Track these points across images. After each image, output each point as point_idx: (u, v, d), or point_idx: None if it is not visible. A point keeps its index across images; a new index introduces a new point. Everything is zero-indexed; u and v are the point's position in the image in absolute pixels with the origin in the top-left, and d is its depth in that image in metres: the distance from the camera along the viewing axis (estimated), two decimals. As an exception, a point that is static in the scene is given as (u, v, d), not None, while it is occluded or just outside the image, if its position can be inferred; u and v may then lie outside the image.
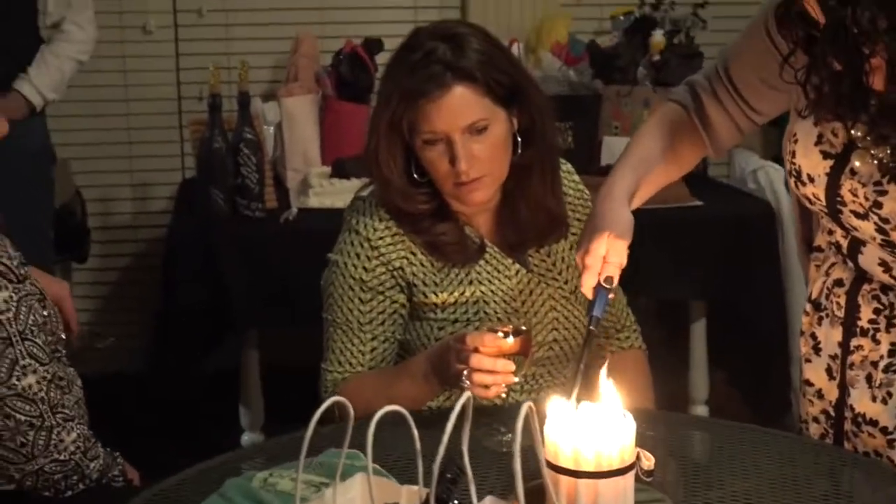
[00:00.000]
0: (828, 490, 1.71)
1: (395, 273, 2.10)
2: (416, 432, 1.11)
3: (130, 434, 3.59)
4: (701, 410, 3.57)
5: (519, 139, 2.08)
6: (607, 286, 1.80)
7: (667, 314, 3.89)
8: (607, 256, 1.79)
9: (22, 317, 1.89)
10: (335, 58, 3.94)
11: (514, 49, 3.86)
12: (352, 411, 1.14)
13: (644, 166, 1.91)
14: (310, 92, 3.84)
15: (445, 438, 1.02)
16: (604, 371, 1.62)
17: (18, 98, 3.33)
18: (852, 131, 1.67)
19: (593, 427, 1.56)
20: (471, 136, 2.01)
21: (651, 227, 3.00)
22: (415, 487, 1.15)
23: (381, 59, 3.90)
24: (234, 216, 3.28)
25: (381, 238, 2.10)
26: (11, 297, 1.88)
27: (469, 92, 2.00)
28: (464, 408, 1.05)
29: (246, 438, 3.52)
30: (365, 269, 2.10)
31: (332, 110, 3.84)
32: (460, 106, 2.00)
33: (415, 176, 2.09)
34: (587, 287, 1.81)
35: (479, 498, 1.09)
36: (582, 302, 2.19)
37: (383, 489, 1.24)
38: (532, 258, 2.17)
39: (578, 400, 1.59)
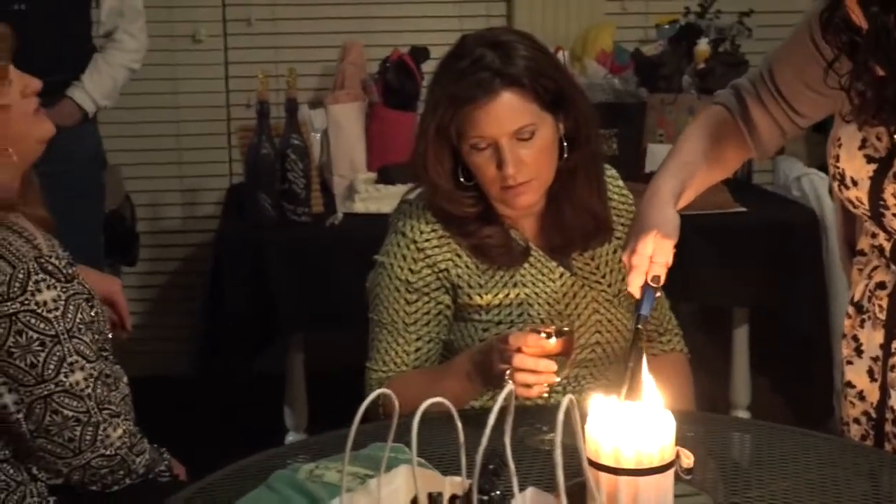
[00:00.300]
0: (867, 491, 1.71)
1: (440, 275, 2.12)
2: (459, 424, 1.13)
3: (177, 436, 3.64)
4: (742, 416, 3.55)
5: (565, 144, 2.10)
6: (654, 285, 1.81)
7: (710, 320, 3.88)
8: (654, 256, 1.81)
9: (70, 315, 1.92)
10: (382, 66, 3.96)
11: (560, 57, 3.86)
12: (397, 404, 1.15)
13: (689, 168, 1.92)
14: (356, 99, 3.87)
15: (488, 430, 1.04)
16: (645, 369, 1.64)
17: (71, 104, 3.38)
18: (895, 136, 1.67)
19: (634, 425, 1.57)
20: (518, 141, 2.03)
21: (695, 233, 3.01)
22: (458, 478, 1.16)
23: (427, 67, 3.92)
24: (282, 221, 3.32)
25: (427, 240, 2.12)
26: (59, 296, 1.91)
27: (516, 98, 2.02)
28: (506, 401, 1.06)
29: (290, 439, 3.55)
30: (411, 270, 2.12)
31: (379, 117, 3.86)
32: (508, 111, 2.02)
33: (461, 180, 2.11)
34: (634, 286, 1.82)
35: (521, 490, 1.11)
36: (625, 305, 2.20)
37: (427, 480, 1.26)
38: (576, 261, 2.19)
39: (625, 398, 1.61)
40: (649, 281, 1.81)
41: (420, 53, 3.96)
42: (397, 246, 2.14)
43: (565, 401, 1.08)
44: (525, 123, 2.03)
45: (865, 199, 1.76)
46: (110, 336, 2.11)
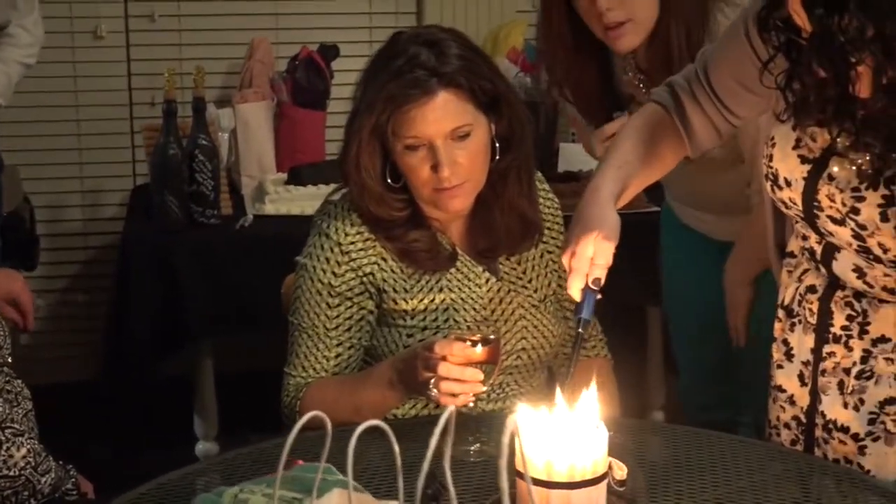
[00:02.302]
0: (798, 497, 1.69)
1: (364, 279, 2.05)
2: (397, 448, 1.06)
3: (83, 444, 3.53)
4: (657, 416, 3.54)
5: (497, 146, 2.05)
6: (595, 288, 1.77)
7: (624, 321, 3.86)
8: (594, 258, 1.76)
9: None
10: (290, 64, 3.87)
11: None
12: (329, 425, 1.08)
13: (627, 168, 1.88)
14: (265, 98, 3.77)
15: (430, 454, 0.97)
16: (592, 382, 1.59)
17: (-36, 102, 3.23)
18: (838, 139, 1.64)
19: (566, 437, 1.53)
20: (453, 141, 1.98)
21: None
22: (394, 503, 1.09)
23: (337, 65, 3.85)
24: (189, 223, 3.22)
25: (352, 243, 2.05)
26: None
27: (454, 98, 1.97)
28: (446, 422, 0.99)
29: (200, 447, 3.45)
30: (334, 273, 2.05)
31: (288, 117, 3.78)
32: (445, 112, 1.97)
33: (389, 181, 2.04)
34: (574, 289, 1.78)
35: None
36: (551, 311, 2.17)
37: (361, 502, 1.19)
38: (503, 266, 2.14)
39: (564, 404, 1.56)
40: (590, 284, 1.77)
41: (329, 51, 3.88)
42: (320, 248, 2.06)
43: (510, 423, 1.02)
44: (462, 124, 1.98)
45: (799, 201, 1.74)
46: (8, 353, 1.99)
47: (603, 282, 1.78)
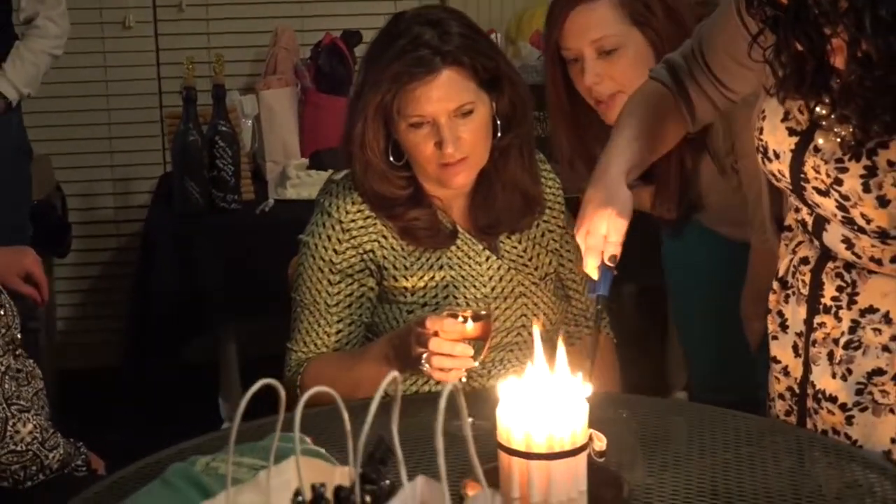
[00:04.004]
0: (782, 470, 1.68)
1: (365, 256, 2.08)
2: (345, 413, 1.08)
3: (110, 427, 3.58)
4: (680, 396, 3.52)
5: (498, 123, 2.07)
6: (611, 265, 1.78)
7: (647, 301, 3.85)
8: (608, 235, 1.77)
9: None
10: (314, 50, 3.90)
11: (493, 39, 3.82)
12: (283, 394, 1.11)
13: (635, 145, 1.89)
14: (288, 84, 3.81)
15: (370, 418, 1.00)
16: (561, 351, 1.60)
17: (-6, 93, 3.30)
18: (816, 109, 1.65)
19: (546, 409, 1.54)
20: (458, 118, 2.00)
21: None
22: (346, 468, 1.12)
23: (360, 51, 3.86)
24: (211, 209, 3.27)
25: (352, 221, 2.08)
26: None
27: (457, 76, 2.00)
28: (392, 389, 1.02)
29: (226, 427, 3.49)
30: (335, 251, 2.08)
31: (311, 102, 3.81)
32: (448, 89, 1.99)
33: (392, 160, 2.07)
34: (591, 267, 1.79)
35: (410, 478, 1.06)
36: (551, 289, 2.19)
37: (317, 470, 1.21)
38: (503, 244, 2.16)
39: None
40: (606, 261, 1.78)
41: (352, 37, 3.91)
42: (322, 226, 2.10)
43: (447, 389, 1.04)
44: (465, 101, 2.00)
45: (787, 173, 1.74)
46: (17, 331, 2.04)
47: (619, 258, 1.79)
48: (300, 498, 1.04)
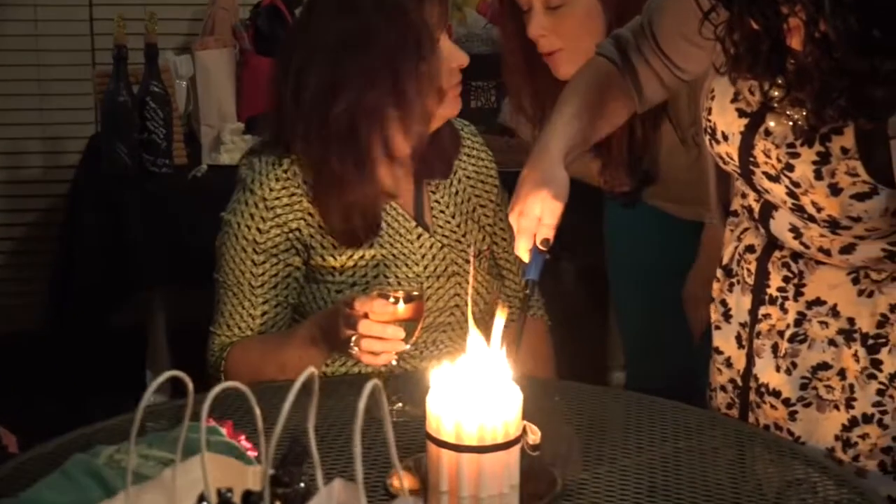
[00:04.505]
0: (722, 465, 1.63)
1: (290, 235, 1.99)
2: (258, 410, 1.00)
3: (31, 396, 3.47)
4: (618, 376, 3.49)
5: None
6: (543, 248, 1.71)
7: (587, 281, 3.80)
8: (542, 218, 1.70)
9: None
10: (253, 11, 3.79)
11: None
12: (190, 386, 1.03)
13: (576, 123, 1.82)
14: (226, 46, 3.68)
15: (285, 411, 0.91)
16: (497, 338, 1.53)
17: None
18: (769, 91, 1.58)
19: (477, 399, 1.47)
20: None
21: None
22: (259, 468, 1.03)
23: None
24: (140, 172, 3.16)
25: (277, 198, 1.99)
26: None
27: None
28: (309, 382, 0.94)
29: (152, 400, 3.39)
30: (259, 230, 1.98)
31: (250, 65, 3.68)
32: None
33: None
34: (522, 250, 1.73)
35: (327, 481, 0.98)
36: (485, 267, 2.12)
37: (228, 470, 1.13)
38: (435, 220, 2.09)
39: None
40: (538, 244, 1.71)
41: (292, -1, 3.79)
42: (245, 204, 2.00)
43: (368, 386, 0.96)
44: None
45: (735, 156, 1.68)
46: None
47: (551, 242, 1.72)
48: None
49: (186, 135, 3.46)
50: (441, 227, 2.08)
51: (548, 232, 1.71)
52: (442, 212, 2.10)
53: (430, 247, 2.05)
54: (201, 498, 0.97)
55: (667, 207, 2.43)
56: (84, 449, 1.45)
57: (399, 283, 1.99)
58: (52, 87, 4.10)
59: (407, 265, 2.02)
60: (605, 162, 2.36)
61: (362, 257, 2.00)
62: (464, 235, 2.10)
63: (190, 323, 3.52)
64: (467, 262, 2.08)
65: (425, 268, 2.04)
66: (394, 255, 2.02)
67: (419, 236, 2.04)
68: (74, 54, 4.08)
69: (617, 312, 2.81)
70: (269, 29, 3.72)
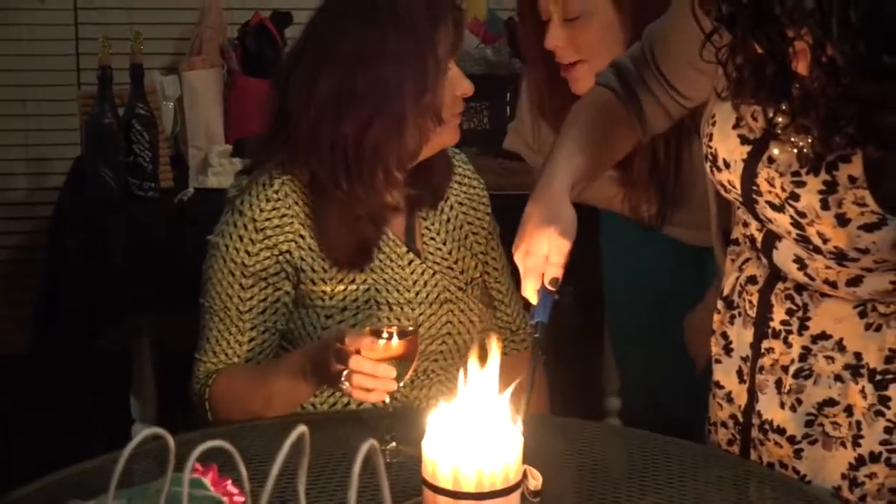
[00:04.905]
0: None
1: (280, 258, 1.94)
2: (244, 471, 0.95)
3: (20, 416, 3.41)
4: (613, 402, 3.44)
5: None
6: (552, 289, 1.65)
7: (585, 303, 3.75)
8: (549, 256, 1.64)
9: None
10: (241, 31, 3.74)
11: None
12: (172, 445, 0.97)
13: (580, 157, 1.77)
14: (214, 66, 3.64)
15: (273, 474, 0.86)
16: (494, 376, 1.48)
17: None
18: (773, 117, 1.53)
19: (476, 442, 1.42)
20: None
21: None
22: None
23: (291, 32, 3.72)
24: (126, 196, 3.10)
25: (267, 220, 1.93)
26: None
27: None
28: (300, 442, 0.88)
29: (137, 428, 3.33)
30: (248, 252, 1.93)
31: (238, 85, 3.64)
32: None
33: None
34: (529, 291, 1.66)
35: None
36: (477, 295, 2.09)
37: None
38: (426, 246, 2.04)
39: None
40: (546, 284, 1.65)
41: (282, 18, 3.76)
42: (233, 226, 1.95)
43: (364, 447, 0.91)
44: None
45: (738, 184, 1.63)
46: None
47: (560, 281, 1.66)
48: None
49: (173, 157, 3.41)
50: (432, 253, 2.03)
51: (556, 271, 1.65)
52: (433, 238, 2.05)
53: (422, 273, 2.00)
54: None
55: (674, 233, 2.37)
56: (60, 501, 1.40)
57: (391, 309, 1.95)
58: (37, 108, 4.05)
59: (398, 291, 1.97)
60: (629, 187, 2.30)
61: (353, 281, 1.95)
62: (455, 262, 2.05)
63: (176, 348, 3.49)
64: (459, 289, 2.04)
65: (417, 294, 1.99)
66: (385, 281, 1.97)
67: (410, 262, 2.00)
68: (60, 74, 4.04)
69: (613, 336, 2.75)
70: (258, 49, 3.68)
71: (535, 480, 1.49)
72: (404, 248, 2.00)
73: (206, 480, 1.29)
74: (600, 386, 3.50)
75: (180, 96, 3.53)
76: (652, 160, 2.25)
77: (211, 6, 3.79)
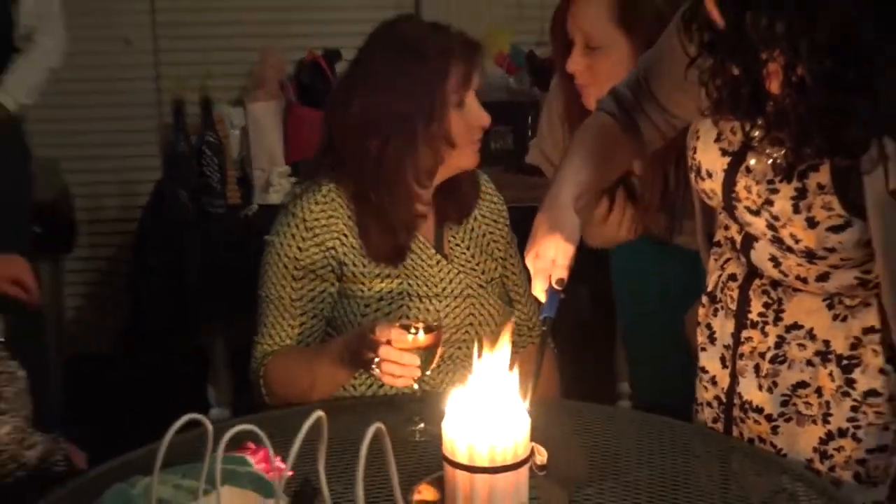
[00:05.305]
0: (713, 477, 1.59)
1: (327, 254, 1.96)
2: (269, 446, 0.95)
3: (106, 408, 3.44)
4: (624, 387, 3.40)
5: None
6: (558, 288, 1.64)
7: (599, 299, 3.73)
8: (556, 259, 1.64)
9: None
10: (298, 66, 3.77)
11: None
12: (210, 428, 0.98)
13: (583, 172, 1.75)
14: (274, 98, 3.67)
15: (293, 453, 0.87)
16: (506, 363, 1.48)
17: (-7, 103, 3.12)
18: (750, 131, 1.52)
19: (489, 423, 1.42)
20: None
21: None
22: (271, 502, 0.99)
23: (340, 67, 3.74)
24: (199, 213, 3.15)
25: (316, 219, 1.96)
26: None
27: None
28: (318, 426, 0.89)
29: (214, 412, 3.37)
30: (299, 248, 1.96)
31: (294, 114, 3.67)
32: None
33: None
34: (538, 290, 1.65)
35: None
36: (496, 292, 2.09)
37: (247, 502, 1.08)
38: (453, 251, 2.05)
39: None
40: (553, 284, 1.64)
41: (332, 55, 3.78)
42: (287, 226, 1.98)
43: (371, 429, 0.91)
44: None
45: (719, 191, 1.62)
46: (2, 339, 1.90)
47: (566, 282, 1.66)
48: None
49: (239, 178, 3.44)
50: (458, 256, 2.05)
51: (562, 272, 1.64)
52: (458, 244, 2.07)
53: (448, 272, 2.02)
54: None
55: (678, 240, 2.34)
56: (125, 477, 1.41)
57: (420, 301, 1.97)
58: (125, 138, 4.08)
59: (427, 286, 1.99)
60: (643, 212, 2.28)
61: (388, 276, 1.97)
62: (477, 264, 2.07)
63: (247, 343, 3.52)
64: (481, 286, 2.05)
65: (443, 289, 2.00)
66: (416, 277, 1.99)
67: (438, 262, 2.02)
68: (143, 107, 4.07)
69: (623, 331, 2.74)
70: (311, 82, 3.72)
71: (542, 456, 1.48)
72: (433, 251, 2.02)
73: (250, 458, 1.29)
74: (613, 372, 3.48)
75: (245, 125, 3.56)
76: (663, 186, 2.23)
77: (272, 47, 3.83)
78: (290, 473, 1.42)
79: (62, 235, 3.76)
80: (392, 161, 1.92)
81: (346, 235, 1.97)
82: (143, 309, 3.11)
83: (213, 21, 4.05)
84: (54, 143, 3.87)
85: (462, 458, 1.41)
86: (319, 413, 0.89)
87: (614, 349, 3.44)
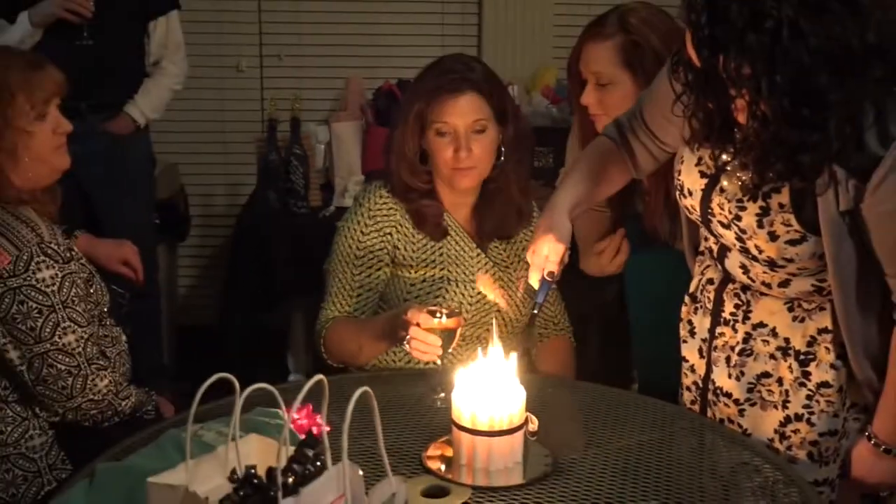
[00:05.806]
0: (687, 449, 1.56)
1: (384, 238, 2.01)
2: (281, 401, 0.97)
3: (208, 370, 3.50)
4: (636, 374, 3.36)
5: (502, 149, 2.01)
6: (549, 279, 1.66)
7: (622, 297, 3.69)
8: (549, 256, 1.65)
9: (65, 290, 1.78)
10: (375, 93, 3.80)
11: (510, 90, 3.68)
12: (238, 386, 1.00)
13: (581, 186, 1.76)
14: (355, 119, 3.71)
15: (297, 403, 0.88)
16: (499, 345, 1.49)
17: (127, 118, 3.21)
18: (722, 157, 1.51)
19: (489, 394, 1.43)
20: (473, 133, 1.95)
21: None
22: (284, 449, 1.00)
23: (410, 94, 3.75)
24: (285, 212, 3.19)
25: (378, 209, 2.01)
26: (57, 274, 1.77)
27: (476, 98, 1.94)
28: (318, 385, 0.91)
29: (292, 378, 3.41)
30: (363, 232, 2.01)
31: (371, 133, 3.70)
32: (469, 106, 1.94)
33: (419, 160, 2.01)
34: (534, 279, 1.67)
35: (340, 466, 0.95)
36: (522, 290, 2.06)
37: (270, 450, 1.10)
38: (492, 250, 2.06)
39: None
40: (545, 276, 1.66)
41: (404, 84, 3.78)
42: (355, 213, 2.04)
43: (358, 392, 0.92)
44: (480, 117, 1.95)
45: (698, 207, 1.61)
46: (106, 306, 1.95)
47: (557, 275, 1.67)
48: (235, 475, 0.93)
49: (323, 185, 3.48)
50: (495, 254, 2.08)
51: (552, 267, 1.65)
52: (497, 245, 2.09)
53: (485, 264, 2.04)
54: (233, 471, 0.94)
55: (681, 246, 2.32)
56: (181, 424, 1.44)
57: (457, 285, 2.00)
58: (233, 148, 4.13)
59: (464, 273, 2.02)
60: (649, 216, 2.27)
61: (433, 261, 2.01)
62: (511, 263, 2.08)
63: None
64: (510, 281, 2.05)
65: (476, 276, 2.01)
66: (455, 265, 2.02)
67: (477, 255, 2.05)
68: (249, 124, 4.12)
69: (631, 332, 2.71)
70: (386, 106, 3.73)
71: (533, 424, 1.49)
72: (473, 244, 2.05)
73: (282, 412, 1.31)
74: (629, 358, 3.44)
75: (329, 141, 3.60)
76: (665, 195, 2.21)
77: (354, 76, 3.86)
78: (327, 429, 1.45)
79: (178, 227, 3.84)
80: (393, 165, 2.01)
81: (401, 225, 2.01)
82: (238, 289, 3.16)
83: (311, 53, 4.10)
84: (174, 151, 3.94)
85: (466, 423, 1.42)
86: (320, 376, 0.91)
87: (629, 336, 3.40)
